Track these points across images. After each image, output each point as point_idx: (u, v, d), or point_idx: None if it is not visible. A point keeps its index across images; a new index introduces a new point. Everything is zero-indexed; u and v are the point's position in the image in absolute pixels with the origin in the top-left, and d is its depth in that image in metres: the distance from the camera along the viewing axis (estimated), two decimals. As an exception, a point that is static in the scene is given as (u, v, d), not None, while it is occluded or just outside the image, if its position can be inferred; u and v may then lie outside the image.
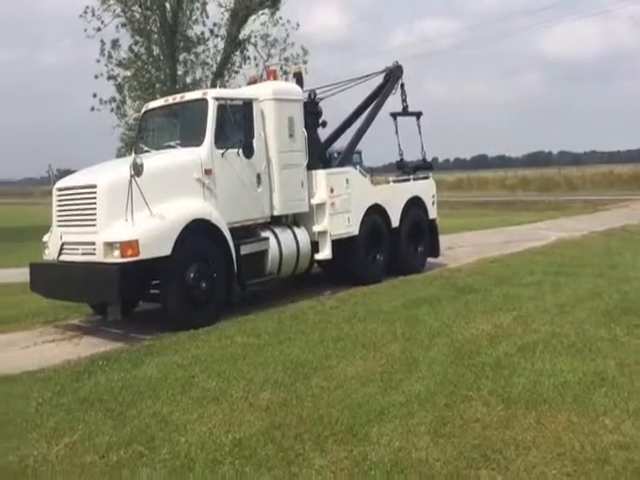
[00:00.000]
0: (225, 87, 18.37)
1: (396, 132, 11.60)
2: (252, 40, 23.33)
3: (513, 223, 19.79)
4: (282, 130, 8.68)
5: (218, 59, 23.63)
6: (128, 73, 23.21)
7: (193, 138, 7.94)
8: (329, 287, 9.62)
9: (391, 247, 10.20)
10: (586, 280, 9.28)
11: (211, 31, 23.20)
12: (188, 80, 23.66)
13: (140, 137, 9.13)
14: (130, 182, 6.63)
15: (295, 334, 6.85)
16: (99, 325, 7.96)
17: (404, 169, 11.51)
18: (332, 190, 9.16)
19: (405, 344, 6.27)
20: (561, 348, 5.84)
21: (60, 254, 7.40)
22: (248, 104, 8.19)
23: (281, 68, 22.15)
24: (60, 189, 7.62)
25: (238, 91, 9.12)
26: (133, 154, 8.97)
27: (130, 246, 6.63)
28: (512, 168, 56.69)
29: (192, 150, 7.77)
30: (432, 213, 11.15)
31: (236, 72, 23.70)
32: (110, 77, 22.61)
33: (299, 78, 9.75)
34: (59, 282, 7.36)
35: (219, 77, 23.11)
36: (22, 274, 9.58)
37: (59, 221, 7.54)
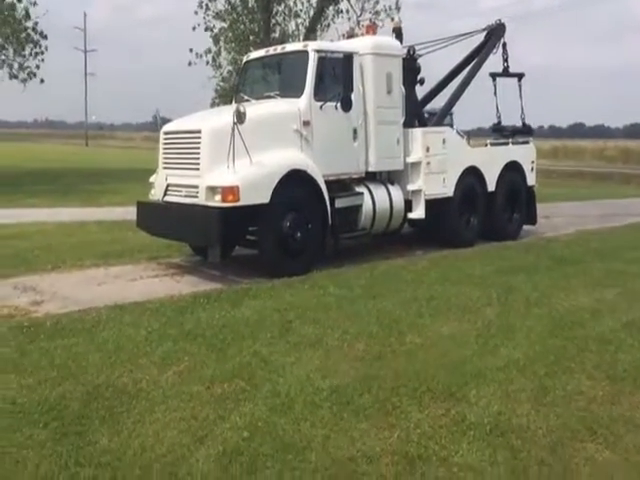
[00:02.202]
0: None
1: (495, 94, 11.19)
2: (346, -7, 22.85)
3: (614, 196, 18.77)
4: (380, 85, 8.52)
5: (311, 13, 23.35)
6: (224, 24, 23.40)
7: (292, 89, 7.96)
8: (420, 247, 9.53)
9: (486, 211, 9.92)
10: (699, 261, 8.68)
11: None
12: (279, 34, 23.59)
13: (240, 86, 9.21)
14: (232, 129, 6.75)
15: (387, 291, 6.86)
16: (198, 265, 8.30)
17: (502, 133, 11.05)
18: (428, 149, 8.96)
19: (501, 310, 6.14)
20: (672, 328, 5.53)
21: (165, 195, 7.72)
22: (348, 57, 8.07)
23: (370, 21, 21.67)
24: (167, 132, 7.88)
25: (338, 44, 8.94)
26: (234, 103, 9.13)
27: (231, 191, 6.80)
28: (611, 139, 53.07)
29: (291, 101, 7.79)
30: (531, 179, 10.71)
31: (328, 26, 23.38)
32: (207, 28, 22.89)
33: (399, 33, 9.44)
34: (163, 221, 7.70)
35: (312, 31, 22.91)
36: (128, 212, 10.14)
37: (165, 163, 7.83)
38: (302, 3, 23.26)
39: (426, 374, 4.45)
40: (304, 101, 7.72)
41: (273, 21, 23.50)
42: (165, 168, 7.81)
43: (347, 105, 7.83)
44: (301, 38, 22.82)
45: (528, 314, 6.02)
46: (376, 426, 3.69)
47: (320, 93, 7.82)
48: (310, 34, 22.65)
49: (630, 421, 3.72)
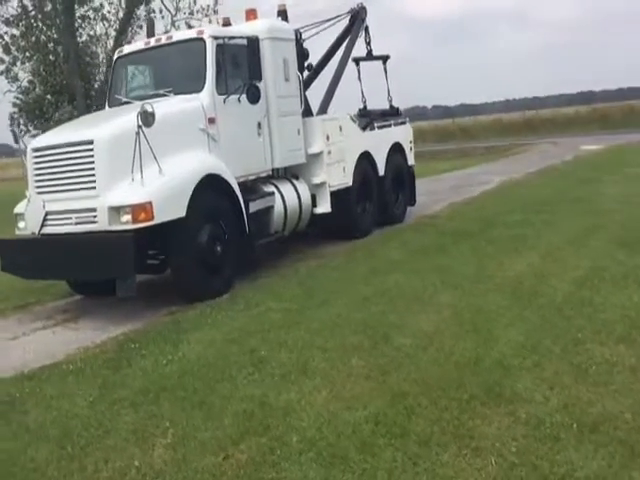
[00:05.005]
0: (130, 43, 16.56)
1: (359, 78, 11.10)
2: (157, -7, 21.38)
3: (441, 170, 19.91)
4: (278, 73, 7.81)
5: (120, 15, 21.52)
6: (16, 32, 20.59)
7: (188, 84, 6.93)
8: (323, 243, 9.05)
9: (378, 197, 9.74)
10: (569, 216, 9.32)
11: None
12: (85, 37, 21.49)
13: (114, 88, 7.79)
14: (137, 134, 5.62)
15: (330, 293, 6.30)
16: (86, 306, 6.90)
17: (369, 117, 10.98)
18: (328, 138, 8.48)
19: (454, 293, 5.92)
20: (619, 280, 5.75)
21: (43, 226, 6.21)
22: (253, 42, 7.14)
23: (186, 23, 20.84)
24: (39, 149, 6.33)
25: (236, 28, 7.90)
26: (107, 107, 7.77)
27: (143, 209, 5.67)
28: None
29: (193, 97, 6.77)
30: (410, 159, 10.82)
31: (141, 27, 21.72)
32: None
33: (284, 17, 8.79)
34: (45, 259, 6.18)
35: (123, 34, 21.14)
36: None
37: (39, 187, 6.28)
38: (110, 4, 21.30)
39: (452, 378, 4.00)
40: (207, 96, 6.74)
41: (76, 24, 21.14)
42: (40, 193, 6.27)
43: (255, 96, 6.97)
44: (111, 42, 20.95)
45: (482, 292, 5.87)
46: (460, 455, 3.14)
47: (222, 86, 6.90)
48: (121, 36, 20.85)
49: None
